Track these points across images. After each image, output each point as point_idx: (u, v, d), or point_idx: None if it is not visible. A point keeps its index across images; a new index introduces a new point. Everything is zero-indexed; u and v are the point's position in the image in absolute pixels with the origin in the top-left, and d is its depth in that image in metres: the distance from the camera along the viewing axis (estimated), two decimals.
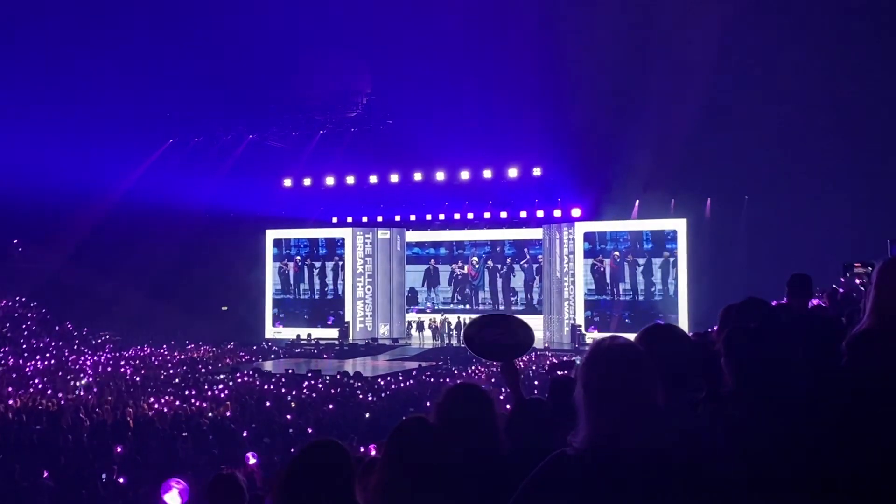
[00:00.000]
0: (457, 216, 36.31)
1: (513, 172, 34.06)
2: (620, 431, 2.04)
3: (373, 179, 36.01)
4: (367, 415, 15.83)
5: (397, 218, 36.94)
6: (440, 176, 34.67)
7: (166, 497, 4.55)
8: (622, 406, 2.05)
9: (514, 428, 3.14)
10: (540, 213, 34.64)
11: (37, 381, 21.17)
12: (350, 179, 36.24)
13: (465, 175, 34.42)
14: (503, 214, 35.59)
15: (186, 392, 19.48)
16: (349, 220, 36.98)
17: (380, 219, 36.83)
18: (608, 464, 2.03)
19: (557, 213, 33.98)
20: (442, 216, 36.57)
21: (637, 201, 31.10)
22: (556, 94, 29.76)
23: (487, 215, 35.83)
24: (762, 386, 2.72)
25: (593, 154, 31.79)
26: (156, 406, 16.56)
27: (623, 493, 2.00)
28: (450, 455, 2.60)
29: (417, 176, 35.10)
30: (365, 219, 36.86)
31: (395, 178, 35.54)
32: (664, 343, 2.82)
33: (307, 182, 36.90)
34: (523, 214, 35.00)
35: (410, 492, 2.50)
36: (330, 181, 36.54)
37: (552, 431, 3.20)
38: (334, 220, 37.17)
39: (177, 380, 22.63)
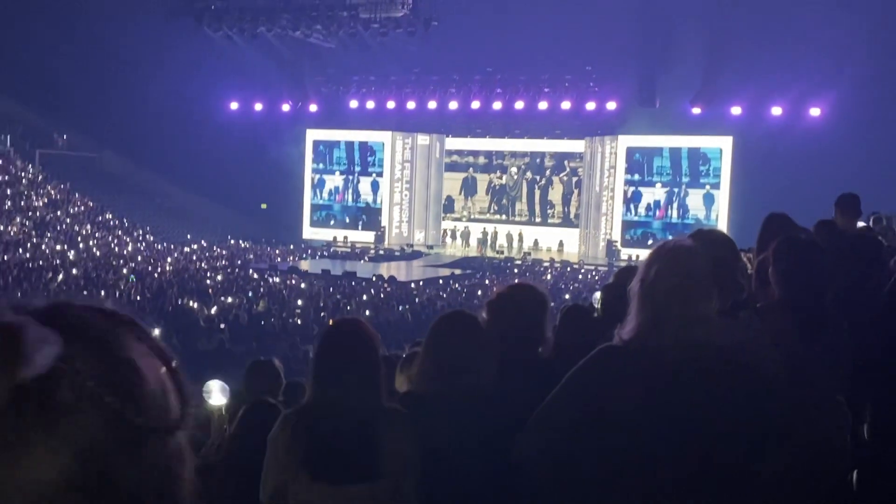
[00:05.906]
0: (497, 125, 35.67)
1: (557, 84, 33.13)
2: (668, 326, 2.04)
3: (416, 84, 35.48)
4: (402, 317, 16.08)
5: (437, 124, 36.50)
6: (482, 82, 33.96)
7: (210, 400, 4.59)
8: (674, 302, 2.05)
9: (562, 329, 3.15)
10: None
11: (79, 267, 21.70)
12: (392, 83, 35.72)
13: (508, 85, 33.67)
14: (543, 124, 34.59)
15: (225, 286, 19.89)
16: (390, 123, 36.57)
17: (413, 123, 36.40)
18: (653, 355, 2.04)
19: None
20: (482, 126, 36.00)
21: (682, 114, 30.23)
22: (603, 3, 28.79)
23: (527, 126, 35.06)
24: (808, 297, 2.72)
25: (640, 65, 30.86)
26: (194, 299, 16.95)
27: (666, 383, 2.02)
28: (493, 343, 2.60)
29: (460, 81, 34.47)
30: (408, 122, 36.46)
31: (437, 81, 34.91)
32: (712, 247, 2.79)
33: (350, 83, 36.40)
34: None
35: (448, 377, 2.51)
36: (373, 83, 36.02)
37: (601, 333, 3.20)
38: (375, 123, 36.78)
39: (215, 273, 23.04)
